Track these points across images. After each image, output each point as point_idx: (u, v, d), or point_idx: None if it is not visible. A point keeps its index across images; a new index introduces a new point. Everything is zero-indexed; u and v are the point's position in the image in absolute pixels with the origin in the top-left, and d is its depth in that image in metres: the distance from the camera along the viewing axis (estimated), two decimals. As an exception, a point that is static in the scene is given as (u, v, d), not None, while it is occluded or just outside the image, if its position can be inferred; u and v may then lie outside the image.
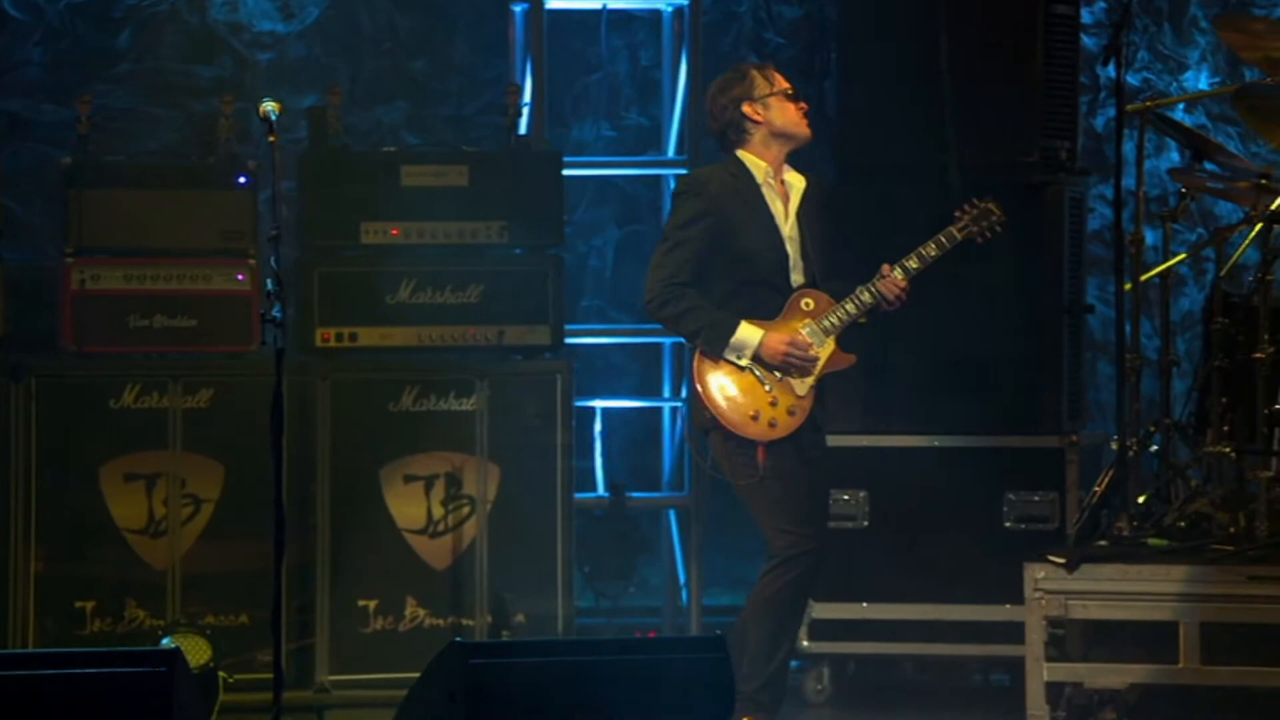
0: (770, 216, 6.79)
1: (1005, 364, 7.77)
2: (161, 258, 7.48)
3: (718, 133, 6.89)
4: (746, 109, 6.79)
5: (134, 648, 6.93)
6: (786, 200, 6.82)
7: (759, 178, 6.80)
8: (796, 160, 6.89)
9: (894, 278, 6.75)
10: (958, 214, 6.86)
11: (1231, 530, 7.11)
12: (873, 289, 6.76)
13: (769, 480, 6.69)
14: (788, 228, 6.81)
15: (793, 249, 6.80)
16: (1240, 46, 7.64)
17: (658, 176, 8.58)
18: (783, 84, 6.83)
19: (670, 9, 8.44)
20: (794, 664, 7.08)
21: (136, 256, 7.47)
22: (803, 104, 6.83)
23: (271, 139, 6.30)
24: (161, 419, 7.41)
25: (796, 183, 6.84)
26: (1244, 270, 7.54)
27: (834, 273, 6.87)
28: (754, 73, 6.85)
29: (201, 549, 7.40)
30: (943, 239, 6.80)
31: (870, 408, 7.75)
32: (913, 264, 6.78)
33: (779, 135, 6.80)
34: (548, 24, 8.24)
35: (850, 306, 6.77)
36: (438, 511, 7.51)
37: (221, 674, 7.10)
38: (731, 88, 6.83)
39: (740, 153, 6.82)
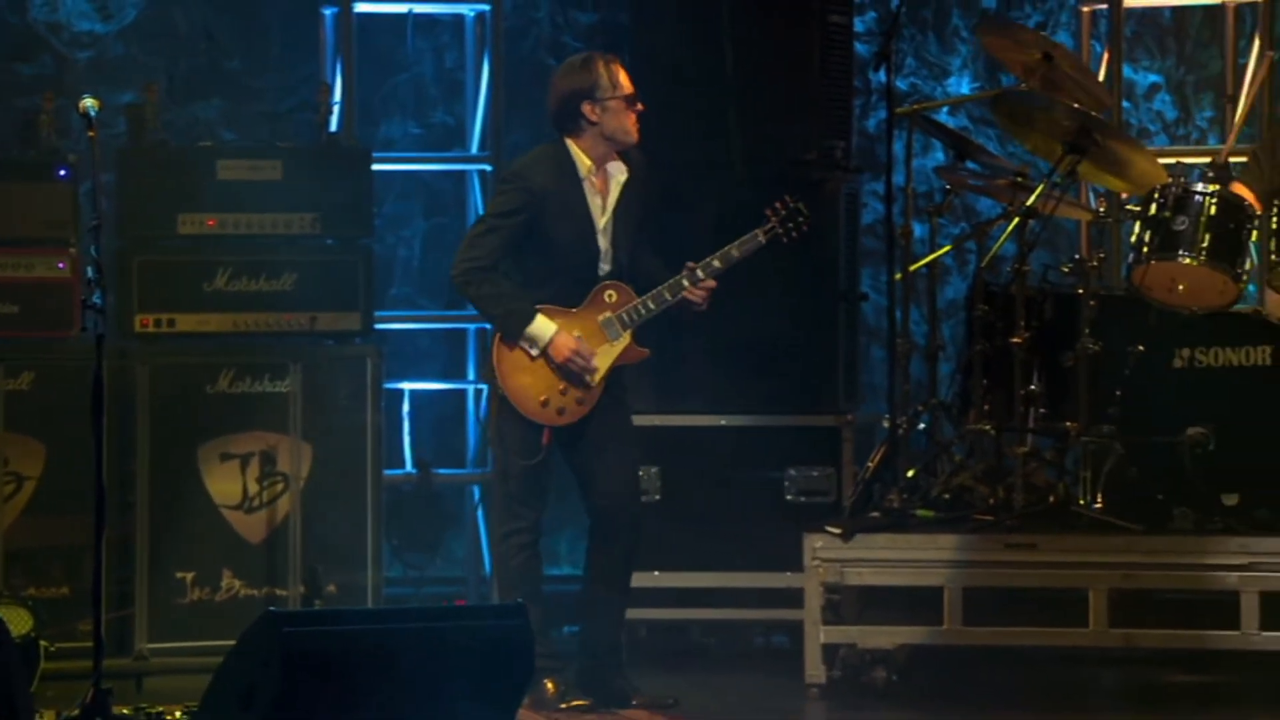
0: (587, 211, 6.78)
1: (787, 348, 7.87)
2: (-16, 247, 7.40)
3: (553, 114, 6.82)
4: (585, 108, 6.73)
5: (-41, 619, 6.86)
6: (606, 194, 6.81)
7: (582, 173, 6.77)
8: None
9: (702, 282, 6.73)
10: (768, 213, 6.83)
11: (991, 501, 7.26)
12: (675, 289, 6.77)
13: (548, 462, 6.76)
14: (604, 221, 6.80)
15: (605, 241, 6.80)
16: (998, 50, 7.80)
17: (462, 172, 8.61)
18: (626, 87, 6.76)
19: (473, 14, 8.47)
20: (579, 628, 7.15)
21: (-40, 246, 7.39)
22: (639, 107, 6.78)
23: (91, 134, 6.26)
24: (-16, 400, 7.34)
25: (618, 175, 6.80)
26: (1002, 261, 7.70)
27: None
28: (600, 68, 6.75)
29: (24, 524, 7.33)
30: (747, 241, 6.78)
31: (662, 389, 7.83)
32: (716, 264, 6.77)
33: (609, 138, 6.77)
34: (356, 26, 8.24)
35: (651, 303, 6.79)
36: (253, 488, 7.50)
37: (43, 643, 7.04)
38: (574, 79, 6.75)
39: (570, 141, 6.78)
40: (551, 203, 6.74)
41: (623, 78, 6.77)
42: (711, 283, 6.77)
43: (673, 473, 7.76)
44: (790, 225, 6.84)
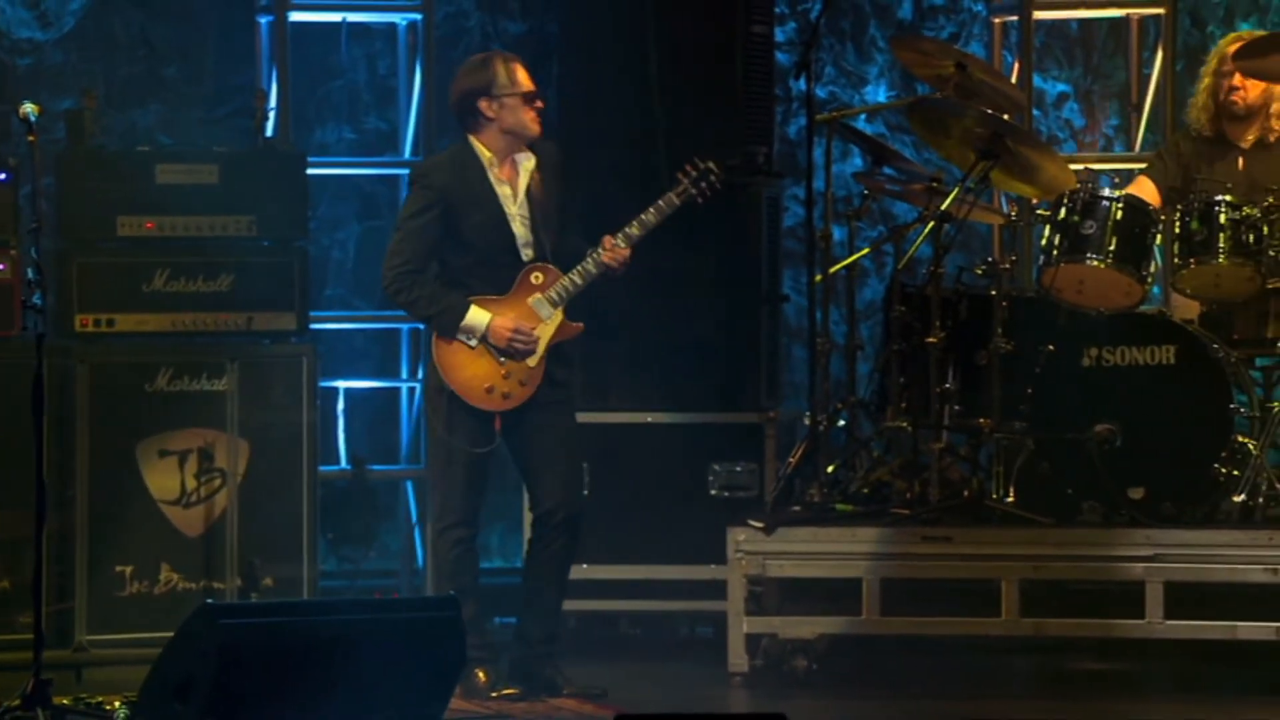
0: (496, 201, 6.81)
1: (711, 348, 7.91)
2: (-74, 249, 7.34)
3: (454, 112, 6.87)
4: (482, 104, 6.78)
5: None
6: (515, 182, 6.84)
7: (486, 165, 6.81)
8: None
9: (617, 247, 6.80)
10: (679, 176, 6.86)
11: (908, 496, 7.30)
12: (597, 261, 6.81)
13: (494, 452, 6.79)
14: (516, 207, 6.83)
15: (522, 227, 6.82)
16: (913, 64, 7.87)
17: (395, 176, 8.60)
18: (524, 84, 6.79)
19: (405, 23, 8.47)
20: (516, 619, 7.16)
21: (-98, 247, 7.32)
22: (539, 103, 6.81)
23: (31, 139, 6.23)
24: (-73, 399, 7.28)
25: (526, 163, 6.83)
26: (919, 264, 7.75)
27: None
28: (499, 66, 6.79)
29: (-35, 519, 7.28)
30: (662, 205, 6.81)
31: (590, 387, 7.86)
32: (634, 230, 6.81)
33: (508, 133, 6.81)
34: (292, 35, 8.23)
35: (576, 278, 6.82)
36: (191, 484, 7.47)
37: (-16, 635, 7.01)
38: (472, 78, 6.80)
39: (472, 138, 6.82)
40: (458, 197, 6.77)
41: (521, 75, 6.80)
42: (628, 251, 6.77)
43: (601, 469, 7.77)
44: (703, 184, 6.87)
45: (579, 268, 6.80)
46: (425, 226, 6.77)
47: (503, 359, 6.77)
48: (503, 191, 6.83)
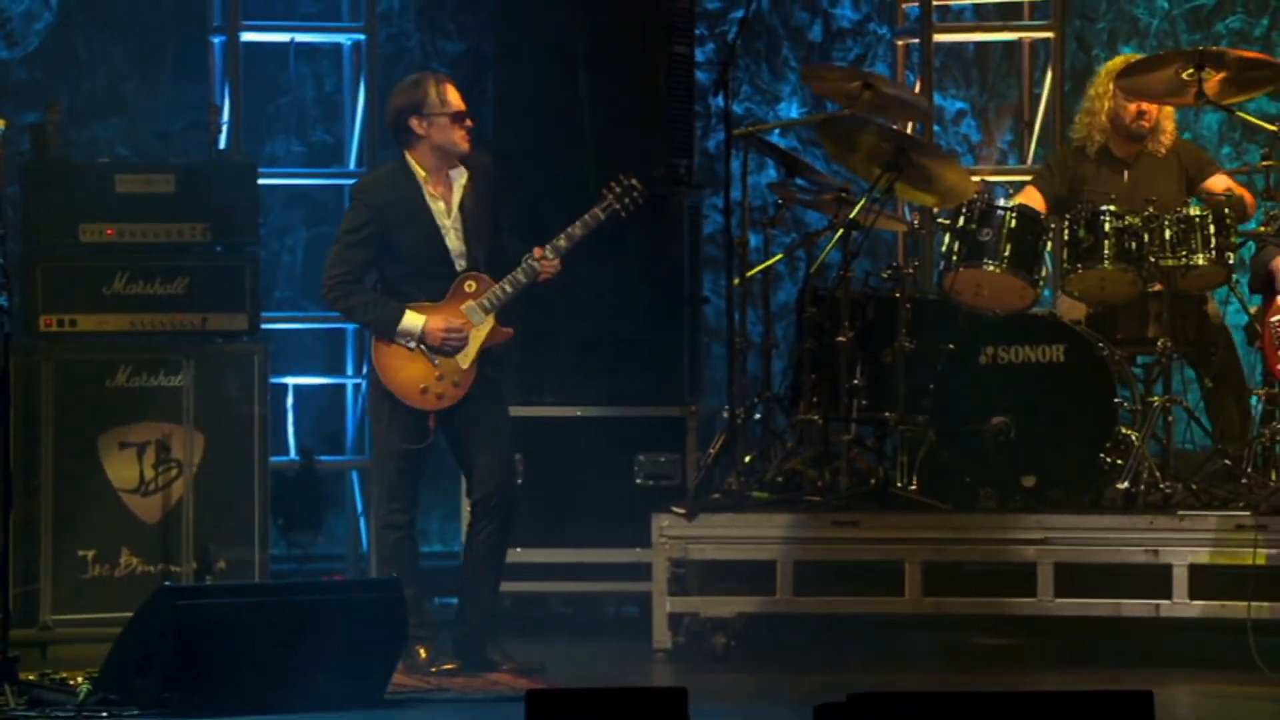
0: (430, 215, 6.81)
1: (636, 346, 7.93)
2: (-103, 254, 7.30)
3: (390, 130, 6.88)
4: (413, 123, 6.78)
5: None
6: (449, 197, 6.86)
7: (421, 181, 6.82)
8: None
9: (546, 259, 6.81)
10: (604, 192, 6.88)
11: (819, 484, 7.34)
12: (527, 270, 6.83)
13: (430, 446, 6.81)
14: (450, 221, 6.84)
15: (455, 239, 6.83)
16: (824, 93, 7.94)
17: (341, 185, 8.60)
18: (454, 104, 6.78)
19: (350, 42, 8.49)
20: (457, 600, 7.19)
21: (-125, 253, 7.28)
22: (468, 123, 6.83)
23: (-2, 151, 6.23)
24: (-102, 395, 7.23)
25: (460, 178, 6.84)
26: (829, 268, 7.81)
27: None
28: (430, 87, 6.78)
29: (-65, 508, 7.24)
30: (588, 219, 6.82)
31: (523, 383, 7.87)
32: (562, 243, 6.83)
33: (439, 149, 6.83)
34: (243, 53, 8.23)
35: (507, 286, 6.83)
36: (149, 473, 7.47)
37: (-47, 617, 6.97)
38: (404, 97, 6.79)
39: (408, 154, 6.83)
40: (393, 213, 6.79)
41: (451, 95, 6.80)
42: (557, 261, 6.81)
43: (534, 459, 7.80)
44: (627, 200, 6.89)
45: (510, 277, 6.83)
46: (363, 241, 6.79)
47: (437, 360, 6.79)
48: (436, 207, 6.84)
